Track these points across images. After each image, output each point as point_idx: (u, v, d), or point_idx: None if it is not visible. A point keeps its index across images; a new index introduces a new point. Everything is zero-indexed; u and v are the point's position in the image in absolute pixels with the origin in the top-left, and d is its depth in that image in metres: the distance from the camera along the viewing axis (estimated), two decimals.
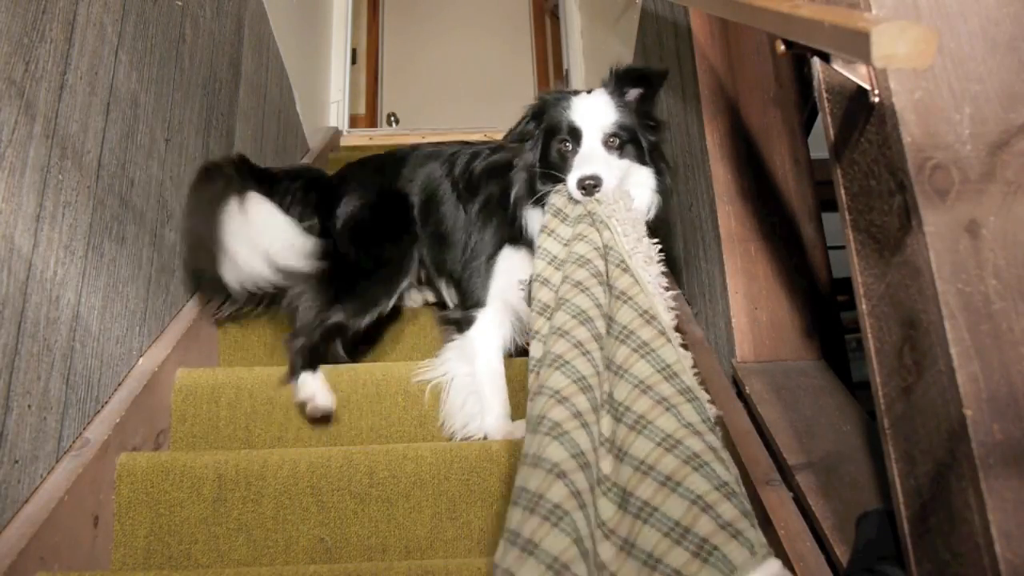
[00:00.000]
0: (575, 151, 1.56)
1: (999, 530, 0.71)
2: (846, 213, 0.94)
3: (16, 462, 1.15)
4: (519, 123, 1.68)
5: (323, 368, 1.65)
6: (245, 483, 1.37)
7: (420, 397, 1.64)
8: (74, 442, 1.31)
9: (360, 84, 5.22)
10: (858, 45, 0.72)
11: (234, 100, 2.27)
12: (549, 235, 1.47)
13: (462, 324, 1.69)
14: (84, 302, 1.36)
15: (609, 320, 1.27)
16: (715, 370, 1.59)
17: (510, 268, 1.67)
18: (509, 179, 1.71)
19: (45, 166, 1.24)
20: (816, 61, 0.96)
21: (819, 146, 1.16)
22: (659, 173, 1.61)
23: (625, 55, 2.70)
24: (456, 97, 5.60)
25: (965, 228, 0.78)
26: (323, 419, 1.61)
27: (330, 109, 4.15)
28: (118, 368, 1.49)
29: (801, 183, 1.58)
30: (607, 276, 1.33)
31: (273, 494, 1.37)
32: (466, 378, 1.63)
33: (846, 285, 1.05)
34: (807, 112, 1.69)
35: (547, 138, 1.62)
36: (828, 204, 1.26)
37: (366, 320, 1.77)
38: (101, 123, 1.43)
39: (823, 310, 1.53)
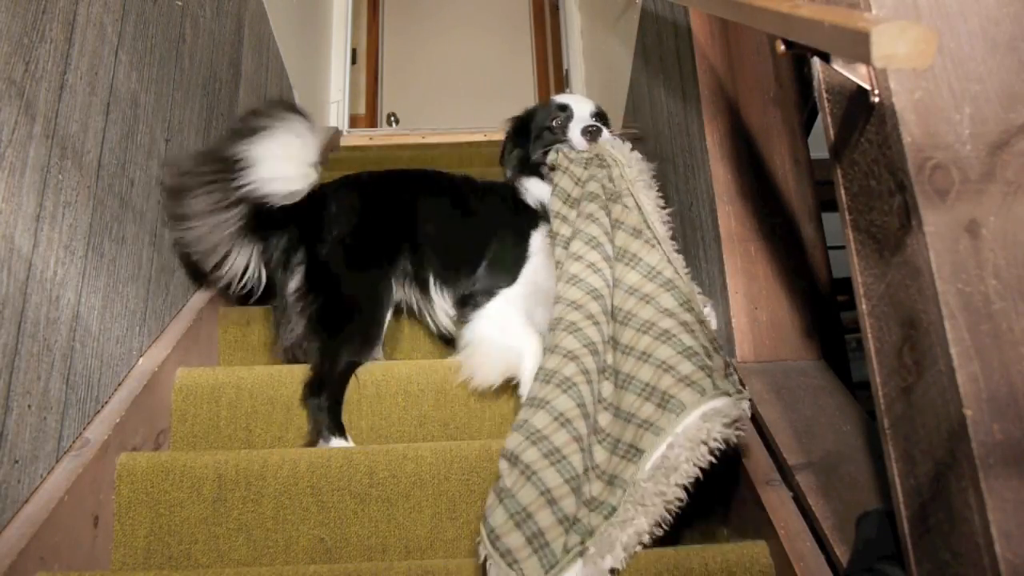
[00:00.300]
0: (569, 119, 1.84)
1: (999, 530, 0.71)
2: (846, 213, 0.94)
3: (16, 462, 1.15)
4: (503, 145, 1.98)
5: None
6: (245, 483, 1.37)
7: (420, 397, 1.64)
8: (74, 442, 1.31)
9: (360, 84, 5.22)
10: (858, 45, 0.72)
11: (234, 100, 2.27)
12: (564, 172, 1.71)
13: (488, 297, 1.70)
14: (84, 302, 1.36)
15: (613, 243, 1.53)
16: None
17: (541, 249, 1.75)
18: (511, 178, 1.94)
19: (45, 166, 1.24)
20: (816, 61, 0.96)
21: (819, 146, 1.17)
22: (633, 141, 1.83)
23: (625, 55, 2.70)
24: (456, 97, 5.60)
25: (965, 228, 0.78)
26: None
27: (330, 109, 4.15)
28: (118, 368, 1.49)
29: (801, 183, 1.58)
30: (607, 208, 1.57)
31: (273, 494, 1.37)
32: (497, 335, 1.62)
33: (846, 285, 1.06)
34: (807, 112, 1.69)
35: (538, 129, 1.89)
36: (828, 204, 1.26)
37: (376, 351, 1.73)
38: (101, 123, 1.43)
39: (823, 310, 1.53)
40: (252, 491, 1.37)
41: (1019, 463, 0.72)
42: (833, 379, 1.43)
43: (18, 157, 1.17)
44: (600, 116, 1.89)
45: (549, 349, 1.36)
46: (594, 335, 1.35)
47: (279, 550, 1.35)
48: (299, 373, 1.65)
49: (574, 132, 1.79)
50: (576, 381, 1.28)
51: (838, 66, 0.87)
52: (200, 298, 1.89)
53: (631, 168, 1.61)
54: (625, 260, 1.45)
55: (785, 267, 1.54)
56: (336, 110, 4.19)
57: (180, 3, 1.82)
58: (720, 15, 1.56)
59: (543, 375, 1.31)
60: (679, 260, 1.44)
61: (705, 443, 1.14)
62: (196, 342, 1.80)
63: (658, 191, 1.60)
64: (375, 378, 1.65)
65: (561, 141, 1.81)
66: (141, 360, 1.58)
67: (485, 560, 1.11)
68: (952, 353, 0.75)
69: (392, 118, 5.36)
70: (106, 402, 1.43)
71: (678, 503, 1.14)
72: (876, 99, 0.84)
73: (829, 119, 0.97)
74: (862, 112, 0.88)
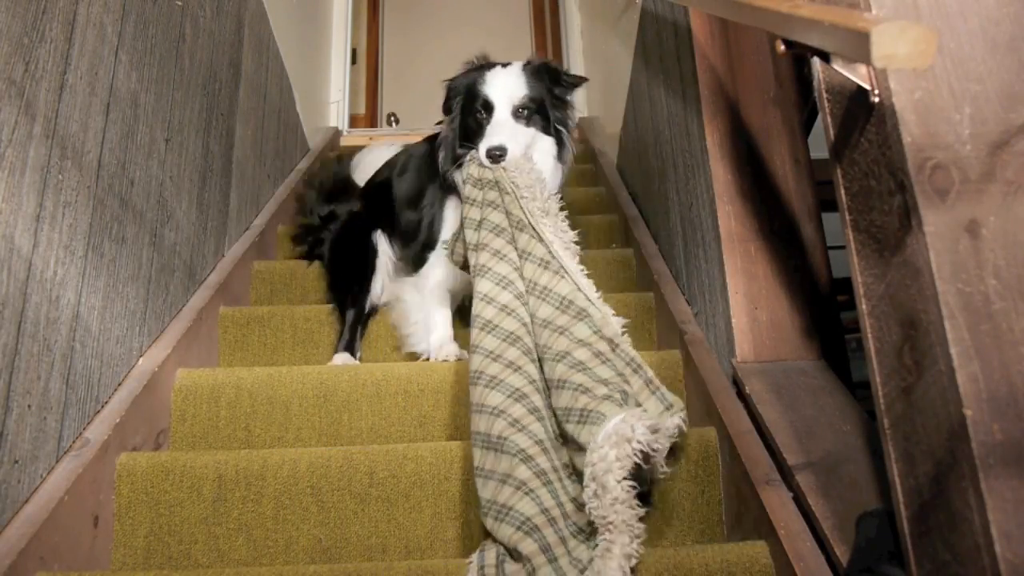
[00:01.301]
0: (488, 120, 1.73)
1: (999, 530, 0.71)
2: (846, 213, 0.94)
3: (16, 462, 1.15)
4: (445, 101, 1.91)
5: (325, 368, 1.66)
6: (245, 483, 1.37)
7: (420, 397, 1.64)
8: (74, 442, 1.31)
9: (360, 84, 5.21)
10: (858, 45, 0.72)
11: (234, 100, 2.27)
12: (472, 204, 1.62)
13: (417, 263, 1.94)
14: (84, 302, 1.36)
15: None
16: (715, 370, 1.59)
17: (454, 215, 1.85)
18: (433, 146, 1.96)
19: (45, 166, 1.24)
20: (816, 61, 0.96)
21: (819, 146, 1.17)
22: (560, 143, 1.81)
23: (625, 55, 2.70)
24: None
25: (965, 228, 0.78)
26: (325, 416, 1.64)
27: (330, 109, 4.15)
28: (118, 368, 1.49)
29: (801, 183, 1.58)
30: (514, 240, 1.52)
31: (273, 494, 1.37)
32: (417, 302, 1.89)
33: (846, 285, 1.06)
34: (807, 112, 1.69)
35: (465, 109, 1.81)
36: (828, 204, 1.26)
37: None
38: (101, 123, 1.43)
39: (823, 310, 1.53)
40: (252, 491, 1.37)
41: (1019, 463, 0.72)
42: (833, 379, 1.43)
43: (18, 157, 1.17)
44: (527, 107, 1.75)
45: (475, 409, 1.31)
46: (517, 381, 1.32)
47: (279, 550, 1.35)
48: (298, 373, 1.65)
49: (483, 147, 1.65)
50: (506, 436, 1.24)
51: (838, 66, 0.87)
52: (200, 298, 1.89)
53: (530, 199, 1.52)
54: (536, 293, 1.42)
55: (785, 267, 1.54)
56: (336, 110, 4.19)
57: (180, 3, 1.82)
58: (720, 15, 1.56)
59: (477, 439, 1.28)
60: (589, 286, 1.40)
61: (629, 441, 1.12)
62: (196, 342, 1.80)
63: (564, 213, 1.55)
64: (375, 378, 1.65)
65: (475, 147, 1.69)
66: (141, 360, 1.58)
67: None
68: (952, 353, 0.75)
69: (392, 118, 5.35)
70: (106, 402, 1.43)
71: (640, 508, 1.12)
72: (876, 99, 0.84)
73: (829, 119, 0.97)
74: (862, 112, 0.88)
